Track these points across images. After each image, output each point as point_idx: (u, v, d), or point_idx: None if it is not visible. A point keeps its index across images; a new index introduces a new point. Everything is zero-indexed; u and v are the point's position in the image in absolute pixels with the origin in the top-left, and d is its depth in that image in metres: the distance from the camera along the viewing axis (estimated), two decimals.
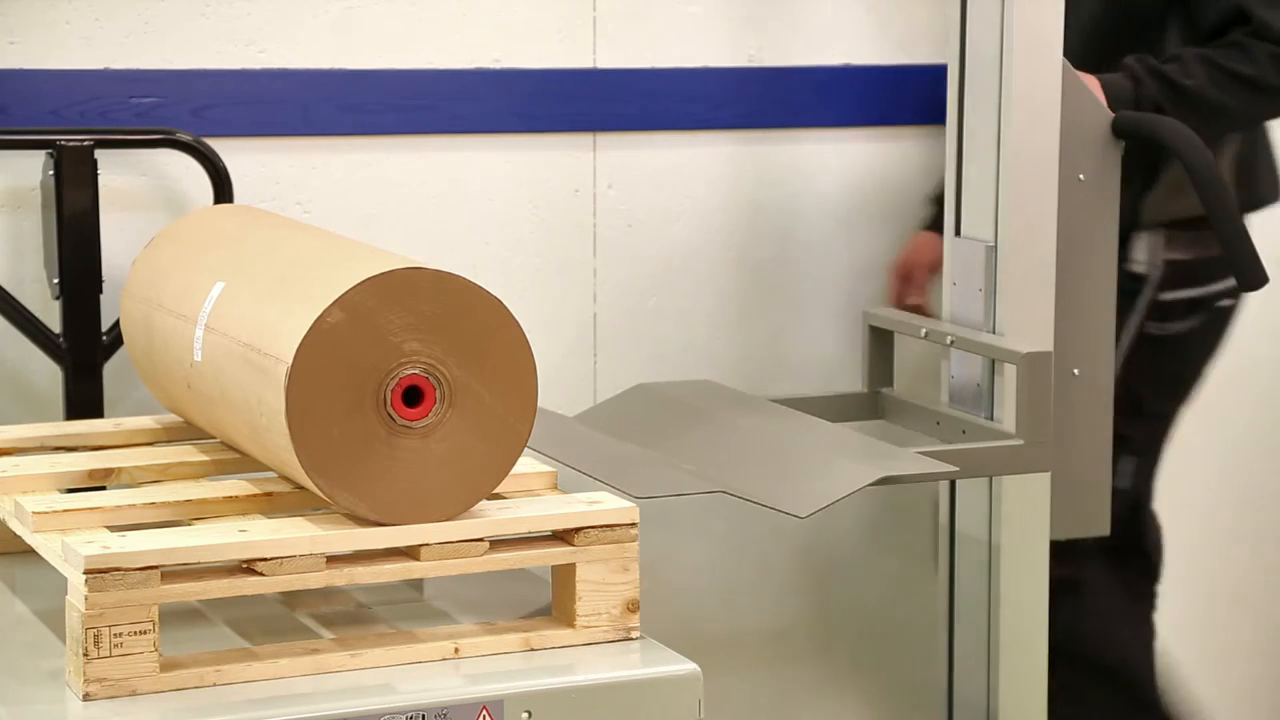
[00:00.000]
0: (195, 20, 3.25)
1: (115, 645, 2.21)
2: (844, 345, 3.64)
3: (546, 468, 2.58)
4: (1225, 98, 3.17)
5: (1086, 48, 3.17)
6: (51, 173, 3.07)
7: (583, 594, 2.39)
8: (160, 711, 2.20)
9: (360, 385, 2.29)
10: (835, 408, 3.12)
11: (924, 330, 3.02)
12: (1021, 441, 2.82)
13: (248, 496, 2.47)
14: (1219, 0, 3.20)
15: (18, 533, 2.48)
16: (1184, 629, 4.07)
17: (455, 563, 2.35)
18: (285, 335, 2.29)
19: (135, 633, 2.21)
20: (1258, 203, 3.39)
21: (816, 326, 3.69)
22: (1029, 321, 2.94)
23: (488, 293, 2.34)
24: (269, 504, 2.47)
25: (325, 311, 2.26)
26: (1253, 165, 3.38)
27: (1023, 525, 3.00)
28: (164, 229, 2.89)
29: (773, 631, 3.77)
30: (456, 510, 2.36)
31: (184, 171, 3.23)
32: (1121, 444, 3.15)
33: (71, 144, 3.07)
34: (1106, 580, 3.43)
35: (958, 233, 3.03)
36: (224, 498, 2.46)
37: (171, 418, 2.83)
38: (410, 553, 2.35)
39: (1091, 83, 3.07)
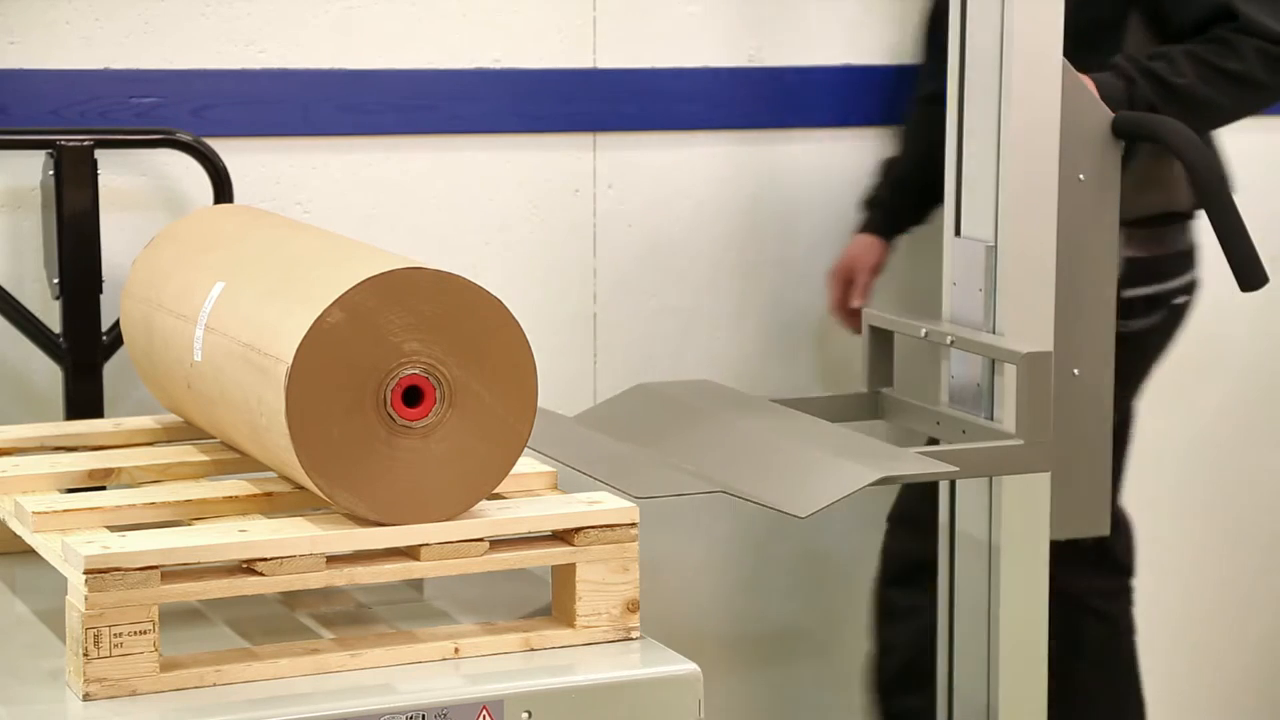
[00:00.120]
0: (195, 20, 3.25)
1: (115, 645, 2.21)
2: (844, 345, 3.64)
3: (546, 468, 2.58)
4: (1215, 94, 3.19)
5: None
6: (51, 173, 3.07)
7: (583, 594, 2.39)
8: (160, 711, 2.20)
9: (360, 385, 2.29)
10: (835, 408, 3.11)
11: (924, 330, 3.02)
12: (1021, 441, 2.82)
13: (248, 496, 2.47)
14: None
15: (18, 533, 2.48)
16: (1161, 623, 4.07)
17: (455, 563, 2.35)
18: (285, 335, 2.29)
19: (135, 633, 2.21)
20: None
21: (816, 326, 3.69)
22: (1029, 321, 2.94)
23: (488, 293, 2.34)
24: (269, 504, 2.47)
25: (325, 311, 2.26)
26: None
27: (1023, 525, 3.00)
28: (164, 229, 2.89)
29: (773, 631, 3.77)
30: (456, 510, 2.36)
31: (184, 171, 3.23)
32: None
33: (71, 144, 3.07)
34: (1079, 578, 3.43)
35: (958, 233, 3.02)
36: (224, 498, 2.46)
37: (171, 418, 2.83)
38: (410, 553, 2.35)
39: (1085, 82, 3.06)
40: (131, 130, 3.19)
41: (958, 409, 3.02)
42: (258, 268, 2.53)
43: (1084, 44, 3.13)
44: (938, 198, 3.52)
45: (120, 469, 2.63)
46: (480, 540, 2.36)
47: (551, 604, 2.45)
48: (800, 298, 3.66)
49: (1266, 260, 2.98)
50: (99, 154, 3.09)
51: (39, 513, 2.40)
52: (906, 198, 3.56)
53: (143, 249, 2.86)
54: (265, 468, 2.54)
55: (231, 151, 3.21)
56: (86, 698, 2.21)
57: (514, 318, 2.35)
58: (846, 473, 2.64)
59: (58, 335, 3.10)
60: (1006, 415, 2.92)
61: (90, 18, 3.20)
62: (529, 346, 2.37)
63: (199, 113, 3.25)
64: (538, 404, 2.39)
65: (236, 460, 2.65)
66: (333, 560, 2.31)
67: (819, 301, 3.67)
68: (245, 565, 2.28)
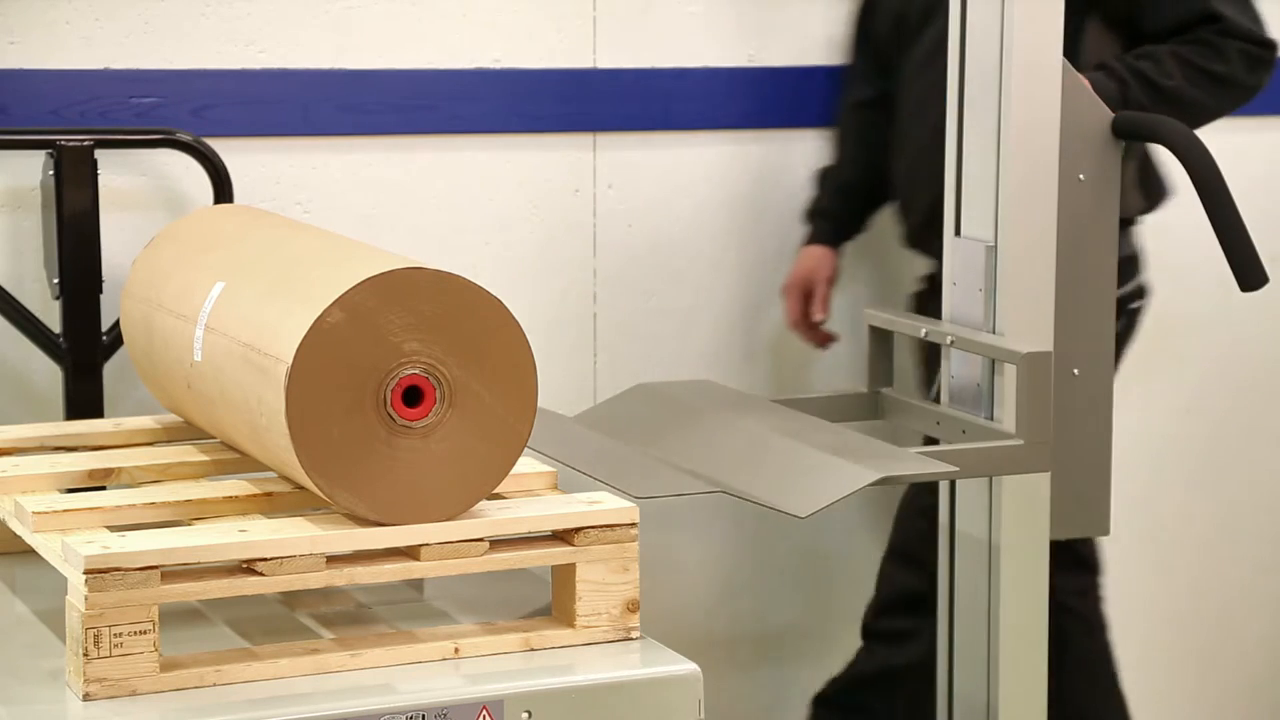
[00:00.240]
0: (195, 20, 3.26)
1: (115, 645, 2.21)
2: (843, 345, 3.64)
3: (546, 468, 2.58)
4: (1200, 95, 3.25)
5: None
6: (51, 173, 3.07)
7: (583, 594, 2.39)
8: (160, 711, 2.20)
9: (360, 385, 2.29)
10: (835, 408, 3.11)
11: (924, 330, 3.02)
12: (1021, 441, 2.82)
13: (248, 496, 2.47)
14: (1181, 1, 3.26)
15: (18, 533, 2.48)
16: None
17: (455, 563, 2.35)
18: (285, 335, 2.29)
19: (135, 633, 2.21)
20: (1153, 205, 3.43)
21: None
22: (1029, 321, 2.94)
23: (488, 293, 2.34)
24: (269, 504, 2.47)
25: (325, 311, 2.26)
26: (1148, 170, 3.42)
27: (1023, 525, 3.00)
28: (164, 229, 2.89)
29: (773, 631, 3.77)
30: (456, 510, 2.36)
31: (184, 171, 3.23)
32: None
33: (71, 144, 3.07)
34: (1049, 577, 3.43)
35: (958, 233, 3.02)
36: (224, 498, 2.46)
37: (171, 418, 2.83)
38: (410, 553, 2.35)
39: (1084, 83, 3.07)
40: (131, 130, 3.19)
41: (958, 409, 3.02)
42: (258, 268, 2.53)
43: None
44: (878, 203, 3.58)
45: (120, 469, 2.63)
46: (480, 540, 2.36)
47: (551, 604, 2.45)
48: None
49: (1266, 260, 2.97)
50: (99, 154, 3.09)
51: (39, 513, 2.40)
52: (851, 205, 3.59)
53: (143, 249, 2.86)
54: (265, 468, 2.54)
55: (231, 151, 3.21)
56: (86, 698, 2.21)
57: (514, 318, 2.35)
58: (846, 473, 2.64)
59: (58, 335, 3.10)
60: (1006, 415, 2.92)
61: (90, 18, 3.20)
62: (529, 346, 2.37)
63: (199, 113, 3.25)
64: (538, 404, 2.39)
65: (236, 460, 2.65)
66: (333, 560, 2.31)
67: None
68: (245, 565, 2.28)
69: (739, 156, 3.63)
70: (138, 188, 3.24)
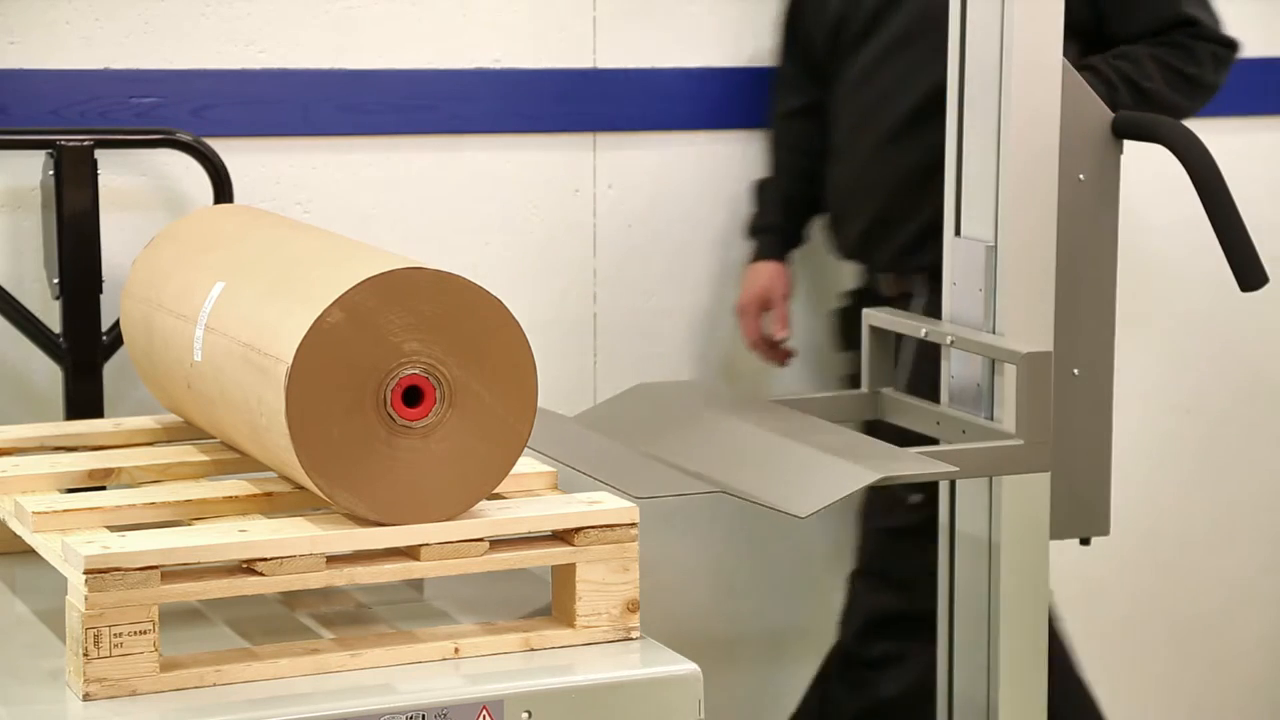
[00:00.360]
0: (195, 20, 3.26)
1: (115, 645, 2.21)
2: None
3: (546, 468, 2.58)
4: (1178, 98, 3.29)
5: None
6: (51, 173, 3.07)
7: (583, 594, 2.39)
8: (160, 711, 2.20)
9: (360, 385, 2.29)
10: (835, 408, 3.11)
11: (924, 330, 3.02)
12: (1021, 441, 2.82)
13: (248, 496, 2.47)
14: (1155, 6, 3.29)
15: (18, 533, 2.48)
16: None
17: (455, 563, 2.35)
18: (285, 335, 2.29)
19: (135, 633, 2.21)
20: None
21: (815, 326, 3.69)
22: (1029, 321, 2.94)
23: (488, 293, 2.34)
24: (269, 504, 2.47)
25: (325, 311, 2.26)
26: None
27: (1023, 525, 3.00)
28: (164, 229, 2.89)
29: (773, 631, 3.77)
30: (456, 510, 2.36)
31: (184, 171, 3.24)
32: None
33: (71, 144, 3.07)
34: None
35: (958, 233, 3.02)
36: (224, 498, 2.46)
37: (171, 418, 2.83)
38: (410, 553, 2.35)
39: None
40: (131, 130, 3.19)
41: (958, 409, 3.02)
42: (258, 268, 2.53)
43: None
44: (816, 212, 3.57)
45: (120, 469, 2.63)
46: (480, 540, 2.36)
47: (551, 604, 2.45)
48: (799, 297, 3.66)
49: (1266, 260, 2.97)
50: (99, 154, 3.09)
51: (39, 513, 2.40)
52: (794, 217, 3.58)
53: (143, 249, 2.86)
54: (265, 468, 2.54)
55: (231, 151, 3.21)
56: (86, 698, 2.21)
57: (514, 318, 2.35)
58: (846, 473, 2.64)
59: (58, 335, 3.10)
60: (1006, 415, 2.92)
61: (90, 18, 3.20)
62: (529, 346, 2.37)
63: (199, 113, 3.25)
64: (538, 404, 2.39)
65: (236, 460, 2.65)
66: (333, 560, 2.31)
67: (818, 301, 3.67)
68: (245, 565, 2.28)
69: (738, 156, 3.63)
70: (138, 188, 3.24)
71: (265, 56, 3.30)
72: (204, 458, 2.66)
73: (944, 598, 3.13)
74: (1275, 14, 3.99)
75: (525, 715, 2.27)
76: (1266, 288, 2.99)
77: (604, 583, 2.40)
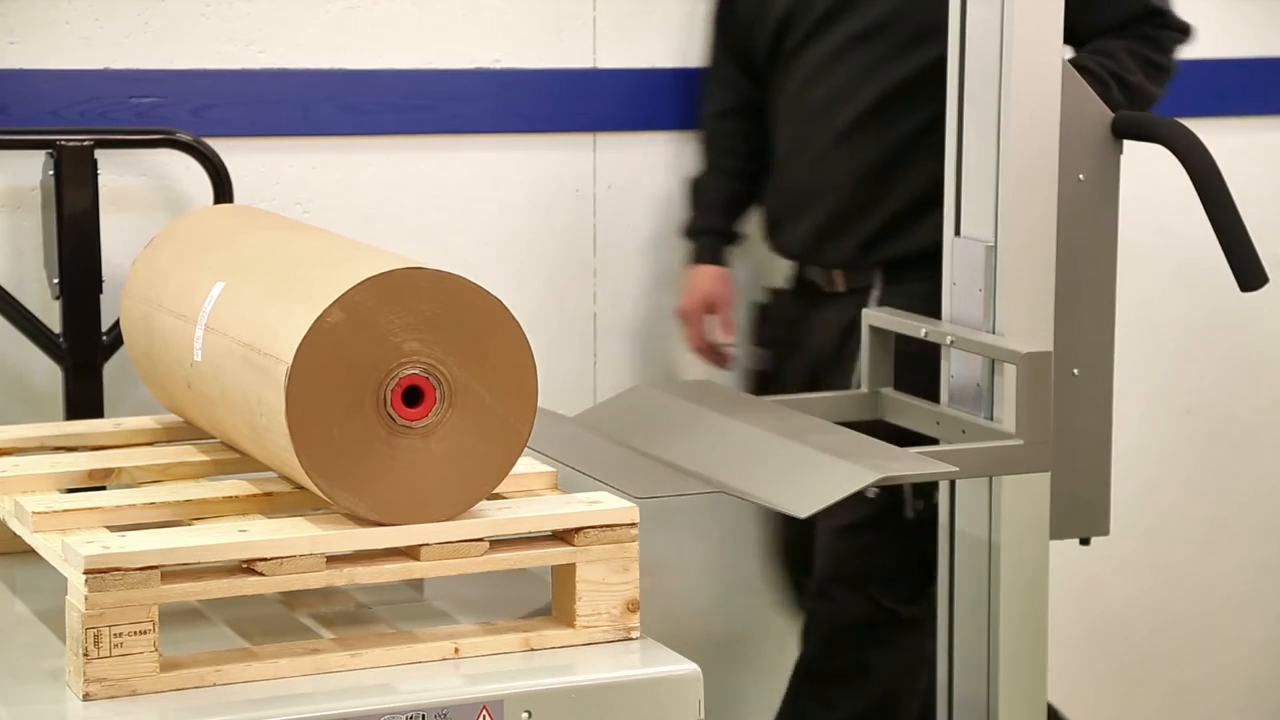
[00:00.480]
0: (195, 20, 3.26)
1: (115, 645, 2.21)
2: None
3: (546, 468, 2.58)
4: (1152, 87, 3.28)
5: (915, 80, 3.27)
6: (51, 173, 3.07)
7: (583, 594, 2.39)
8: (160, 711, 2.20)
9: (360, 385, 2.29)
10: (835, 408, 3.11)
11: (924, 330, 3.02)
12: (1021, 441, 2.82)
13: (248, 496, 2.47)
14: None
15: (18, 533, 2.48)
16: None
17: (455, 563, 2.35)
18: (285, 335, 2.29)
19: (135, 633, 2.21)
20: None
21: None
22: (1029, 321, 2.94)
23: (488, 293, 2.34)
24: (269, 504, 2.47)
25: (325, 311, 2.26)
26: None
27: (1023, 525, 3.00)
28: (164, 229, 2.89)
29: (772, 631, 3.76)
30: (456, 510, 2.36)
31: (184, 171, 3.23)
32: None
33: (71, 144, 3.07)
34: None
35: (958, 233, 3.02)
36: (224, 498, 2.46)
37: (171, 418, 2.83)
38: (410, 553, 2.35)
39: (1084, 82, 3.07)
40: (131, 130, 3.19)
41: (958, 409, 3.02)
42: (258, 268, 2.53)
43: (934, 78, 3.17)
44: (750, 210, 3.53)
45: (120, 469, 2.63)
46: (480, 540, 2.36)
47: (551, 604, 2.45)
48: None
49: (1266, 260, 2.97)
50: (99, 154, 3.09)
51: (39, 513, 2.40)
52: (731, 217, 3.53)
53: (143, 249, 2.86)
54: (265, 468, 2.54)
55: (231, 151, 3.21)
56: (86, 698, 2.21)
57: (514, 318, 2.35)
58: (846, 473, 2.64)
59: (58, 335, 3.10)
60: (1006, 415, 2.92)
61: (90, 18, 3.20)
62: (529, 346, 2.36)
63: (199, 113, 3.25)
64: (538, 404, 2.39)
65: (236, 460, 2.65)
66: (333, 560, 2.31)
67: None
68: (245, 565, 2.28)
69: None
70: (138, 188, 3.24)
71: (265, 56, 3.30)
72: (204, 458, 2.66)
73: (944, 598, 3.13)
74: (1275, 14, 3.99)
75: (525, 715, 2.27)
76: (1266, 288, 2.99)
77: (604, 583, 2.40)
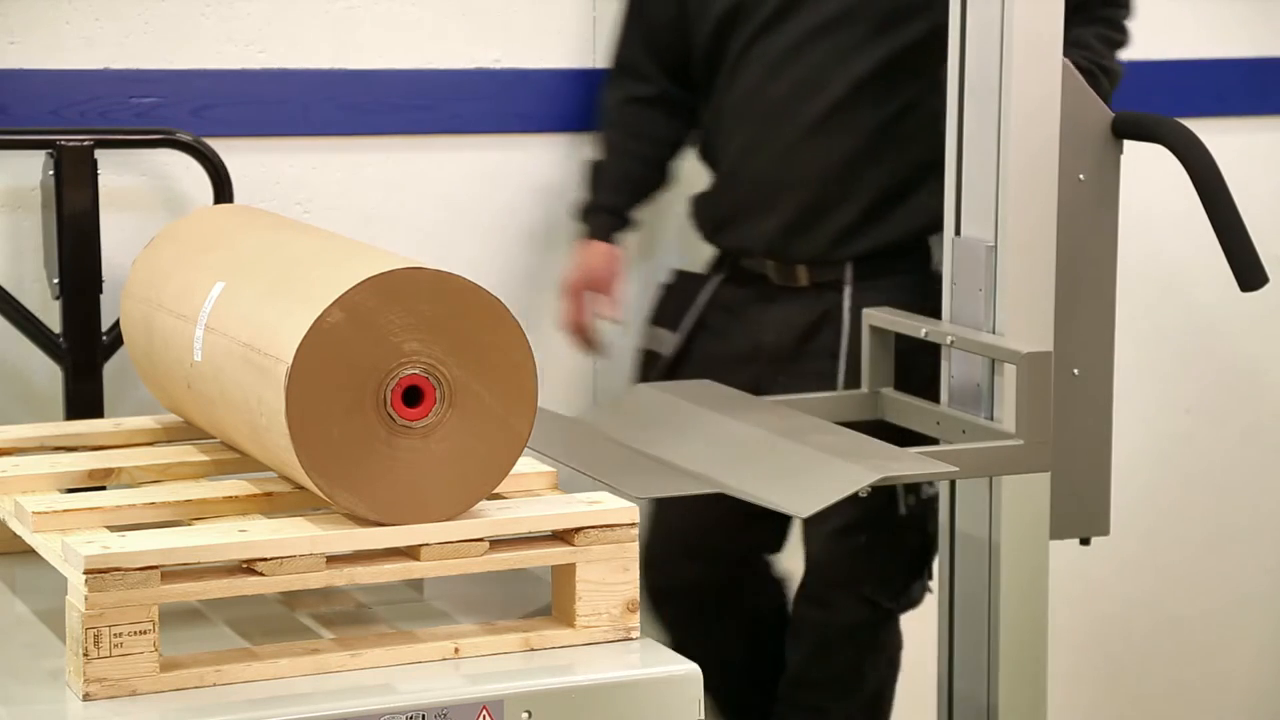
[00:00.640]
0: (195, 20, 3.26)
1: (115, 645, 2.21)
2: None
3: (546, 468, 2.58)
4: (1120, 70, 3.27)
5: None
6: (51, 173, 3.07)
7: (583, 594, 2.39)
8: (160, 711, 2.20)
9: (360, 385, 2.29)
10: (835, 408, 3.11)
11: (924, 330, 3.02)
12: (1021, 441, 2.82)
13: (248, 496, 2.47)
14: None
15: (18, 533, 2.48)
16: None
17: (455, 563, 2.35)
18: (285, 335, 2.29)
19: (135, 633, 2.21)
20: None
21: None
22: (1029, 321, 2.94)
23: (488, 293, 2.34)
24: (269, 504, 2.47)
25: (325, 311, 2.26)
26: None
27: (1023, 525, 3.00)
28: (164, 229, 2.89)
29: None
30: (456, 510, 2.36)
31: (184, 171, 3.24)
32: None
33: (71, 144, 3.07)
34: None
35: (958, 233, 3.02)
36: (224, 498, 2.46)
37: (171, 418, 2.83)
38: (410, 553, 2.35)
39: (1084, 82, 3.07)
40: (131, 130, 3.19)
41: (958, 409, 3.02)
42: (258, 268, 2.53)
43: (927, 52, 3.19)
44: (648, 198, 3.47)
45: (120, 469, 2.63)
46: (480, 540, 2.36)
47: (551, 604, 2.45)
48: None
49: (1266, 260, 2.97)
50: (99, 154, 3.09)
51: (39, 513, 2.40)
52: (630, 200, 3.45)
53: (143, 249, 2.86)
54: (265, 468, 2.54)
55: (231, 151, 3.21)
56: (86, 698, 2.21)
57: (514, 318, 2.35)
58: (846, 473, 2.64)
59: (58, 335, 3.10)
60: (1006, 415, 2.92)
61: (90, 18, 3.20)
62: (529, 346, 2.36)
63: (199, 113, 3.25)
64: (538, 404, 2.39)
65: (236, 460, 2.65)
66: (333, 560, 2.31)
67: None
68: (245, 565, 2.28)
69: None
70: (138, 188, 3.24)
71: (265, 56, 3.30)
72: (204, 458, 2.66)
73: (944, 598, 3.13)
74: (1273, 14, 3.99)
75: (525, 715, 2.27)
76: (1267, 288, 2.99)
77: (604, 583, 2.40)
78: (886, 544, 3.34)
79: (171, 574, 2.24)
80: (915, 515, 3.29)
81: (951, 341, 2.97)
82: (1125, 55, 3.32)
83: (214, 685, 2.25)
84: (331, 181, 3.37)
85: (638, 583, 2.41)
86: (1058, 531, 3.04)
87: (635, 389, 3.12)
